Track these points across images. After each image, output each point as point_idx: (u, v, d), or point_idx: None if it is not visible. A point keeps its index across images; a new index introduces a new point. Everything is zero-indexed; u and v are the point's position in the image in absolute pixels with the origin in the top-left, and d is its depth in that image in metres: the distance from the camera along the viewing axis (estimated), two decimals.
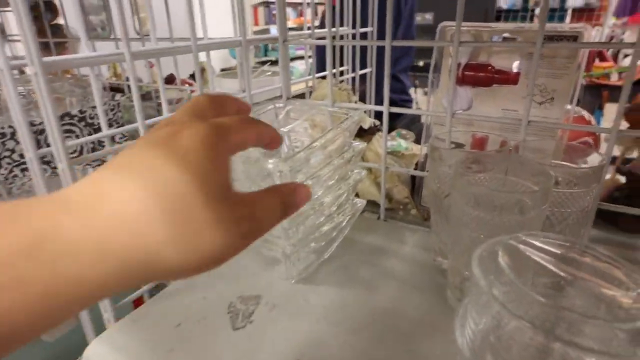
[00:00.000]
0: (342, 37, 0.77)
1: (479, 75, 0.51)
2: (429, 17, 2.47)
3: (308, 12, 0.73)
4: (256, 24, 4.23)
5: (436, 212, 0.45)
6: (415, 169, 0.63)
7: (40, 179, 0.38)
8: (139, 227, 0.18)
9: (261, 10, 4.26)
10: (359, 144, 0.48)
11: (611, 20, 3.47)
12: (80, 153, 0.67)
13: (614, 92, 2.18)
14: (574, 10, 4.03)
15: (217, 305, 0.44)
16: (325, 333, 0.40)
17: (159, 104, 0.47)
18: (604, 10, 3.91)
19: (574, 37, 0.43)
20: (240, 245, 0.21)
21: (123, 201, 0.18)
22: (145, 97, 0.63)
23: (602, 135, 0.53)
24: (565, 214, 0.36)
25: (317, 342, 0.39)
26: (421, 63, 2.52)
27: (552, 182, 0.33)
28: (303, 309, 0.43)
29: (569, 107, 0.46)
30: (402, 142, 0.71)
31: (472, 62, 0.51)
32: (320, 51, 0.68)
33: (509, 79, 0.48)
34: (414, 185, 0.61)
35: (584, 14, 4.05)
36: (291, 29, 0.62)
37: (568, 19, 4.05)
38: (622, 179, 0.52)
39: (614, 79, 2.21)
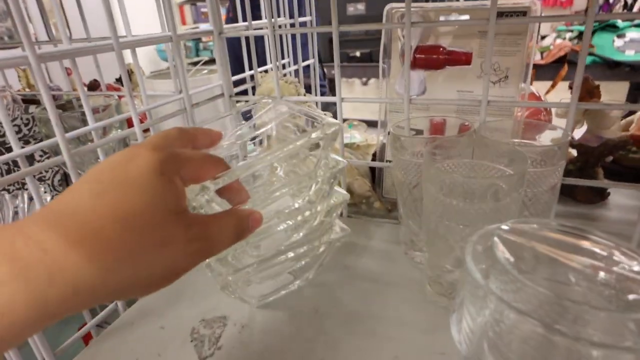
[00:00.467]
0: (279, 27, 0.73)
1: (431, 58, 0.49)
2: (361, 7, 2.46)
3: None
4: (183, 23, 4.03)
5: (405, 204, 0.43)
6: (373, 159, 0.61)
7: None
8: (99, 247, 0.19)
9: (187, 8, 4.07)
10: (340, 161, 0.37)
11: None
12: None
13: (539, 71, 2.32)
14: None
15: (178, 333, 0.39)
16: (305, 349, 0.36)
17: (84, 113, 0.40)
18: None
19: (523, 13, 0.42)
20: (188, 264, 0.23)
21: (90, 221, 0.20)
22: (67, 106, 0.55)
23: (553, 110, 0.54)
24: (538, 194, 0.35)
25: None
26: (358, 53, 2.52)
27: (527, 163, 0.31)
28: (276, 325, 0.39)
29: (522, 85, 0.45)
30: (355, 133, 0.69)
31: (423, 44, 0.50)
32: (233, 47, 0.62)
33: (461, 59, 0.47)
34: (374, 176, 0.59)
35: None
36: None
37: None
38: (574, 152, 0.54)
39: (537, 58, 2.36)
